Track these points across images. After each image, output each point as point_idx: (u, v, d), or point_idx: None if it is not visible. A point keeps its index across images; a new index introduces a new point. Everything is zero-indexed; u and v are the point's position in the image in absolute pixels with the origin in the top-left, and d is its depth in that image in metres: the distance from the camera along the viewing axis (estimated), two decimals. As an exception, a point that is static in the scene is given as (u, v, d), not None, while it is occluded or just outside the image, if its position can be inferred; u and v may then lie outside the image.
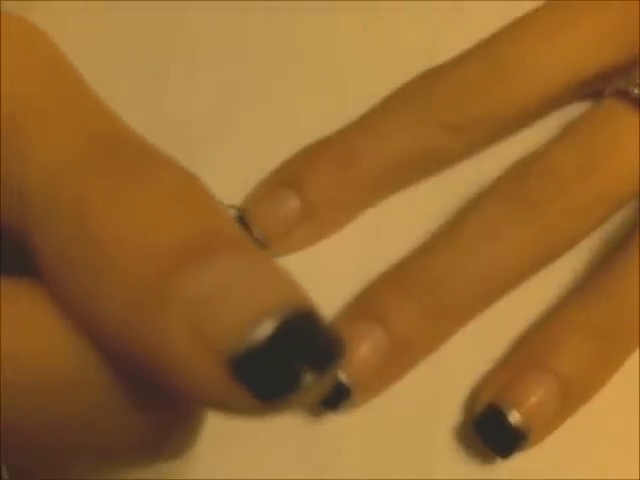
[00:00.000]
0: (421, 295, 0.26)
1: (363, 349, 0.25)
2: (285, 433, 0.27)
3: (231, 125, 0.30)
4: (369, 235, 0.29)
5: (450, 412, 0.27)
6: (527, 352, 0.26)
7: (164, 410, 0.15)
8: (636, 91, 0.27)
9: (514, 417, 0.25)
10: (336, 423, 0.27)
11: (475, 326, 0.27)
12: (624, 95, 0.27)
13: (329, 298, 0.27)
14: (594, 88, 0.29)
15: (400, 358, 0.26)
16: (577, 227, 0.27)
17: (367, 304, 0.26)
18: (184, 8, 0.32)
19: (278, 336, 0.13)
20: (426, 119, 0.28)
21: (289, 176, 0.28)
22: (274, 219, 0.27)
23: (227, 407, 0.14)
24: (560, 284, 0.28)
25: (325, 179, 0.27)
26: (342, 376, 0.25)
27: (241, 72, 0.31)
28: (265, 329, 0.13)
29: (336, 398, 0.25)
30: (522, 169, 0.27)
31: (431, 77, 0.28)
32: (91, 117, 0.15)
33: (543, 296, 0.28)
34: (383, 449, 0.27)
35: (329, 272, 0.28)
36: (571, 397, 0.25)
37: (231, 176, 0.29)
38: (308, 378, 0.13)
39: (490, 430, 0.25)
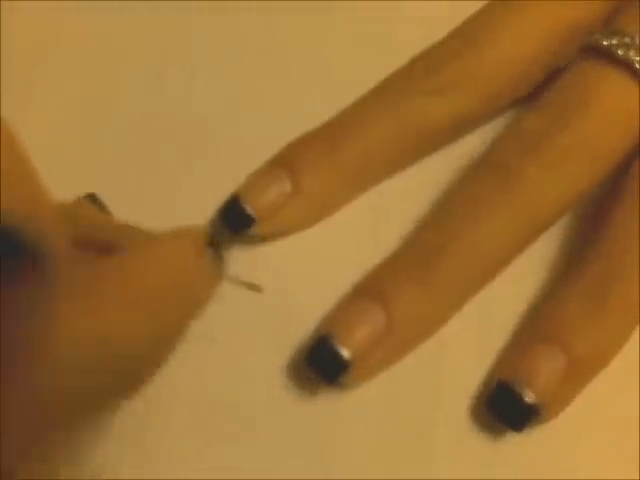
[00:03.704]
0: (416, 275, 0.26)
1: (363, 325, 0.25)
2: (283, 425, 0.27)
3: (229, 125, 0.30)
4: (367, 228, 0.29)
5: (450, 403, 0.27)
6: (534, 326, 0.26)
7: None
8: (602, 41, 0.26)
9: (524, 390, 0.25)
10: (336, 415, 0.27)
11: (474, 318, 0.27)
12: (588, 47, 0.27)
13: (328, 287, 0.27)
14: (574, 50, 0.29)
15: (398, 335, 0.26)
16: (559, 183, 0.26)
17: (367, 285, 0.27)
18: (182, 9, 0.32)
19: None
20: (407, 91, 0.28)
21: (282, 157, 0.29)
22: (265, 197, 0.28)
23: None
24: (560, 259, 0.28)
25: (315, 160, 0.28)
26: (343, 350, 0.25)
27: (239, 72, 0.31)
28: None
29: (336, 371, 0.25)
30: (496, 140, 0.28)
31: (410, 61, 0.29)
32: None
33: (544, 276, 0.28)
34: (382, 443, 0.27)
35: (328, 262, 0.29)
36: (582, 366, 0.25)
37: (229, 175, 0.29)
38: None
39: (503, 405, 0.25)
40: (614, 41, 0.26)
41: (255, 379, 0.27)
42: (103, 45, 0.32)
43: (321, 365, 0.26)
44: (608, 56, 0.26)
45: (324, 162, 0.28)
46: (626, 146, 0.27)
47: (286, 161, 0.28)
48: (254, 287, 0.28)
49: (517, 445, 0.26)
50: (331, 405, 0.27)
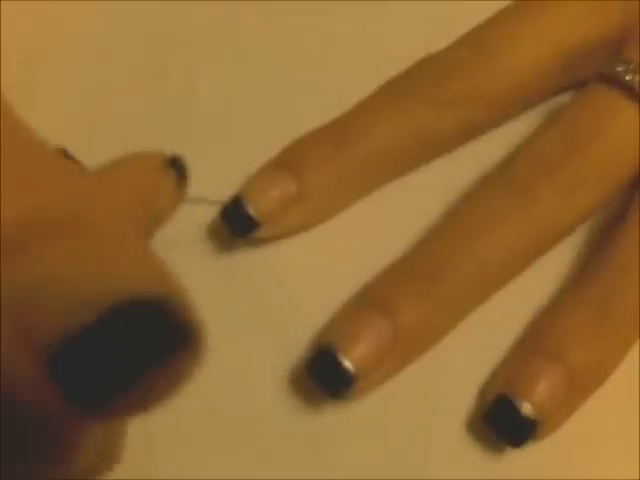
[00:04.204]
0: (423, 286, 0.26)
1: (367, 336, 0.25)
2: (283, 433, 0.26)
3: (230, 124, 0.30)
4: (371, 233, 0.29)
5: (450, 411, 0.27)
6: (533, 340, 0.26)
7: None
8: (624, 76, 0.27)
9: (523, 405, 0.24)
10: (335, 425, 0.26)
11: (476, 324, 0.27)
12: (608, 78, 0.27)
13: (331, 294, 0.27)
14: (584, 67, 0.29)
15: (402, 346, 0.26)
16: (570, 208, 0.27)
17: (370, 295, 0.26)
18: (183, 8, 0.32)
19: (99, 328, 0.11)
20: (415, 100, 0.28)
21: (285, 159, 0.28)
22: (269, 200, 0.27)
23: (53, 417, 0.12)
24: (561, 274, 0.28)
25: (319, 162, 0.28)
26: (346, 362, 0.25)
27: (240, 72, 0.31)
28: (81, 320, 0.11)
29: (339, 385, 0.25)
30: (510, 157, 0.28)
31: (418, 65, 0.29)
32: None
33: (545, 290, 0.28)
34: (380, 454, 0.26)
35: (330, 268, 0.28)
36: (581, 381, 0.25)
37: (229, 175, 0.29)
38: (135, 373, 0.12)
39: (500, 420, 0.25)
40: (637, 78, 0.27)
41: (255, 388, 0.27)
42: (103, 45, 0.31)
43: (324, 378, 0.25)
44: (627, 90, 0.27)
45: (329, 164, 0.28)
46: (635, 174, 0.27)
47: (289, 162, 0.28)
48: (217, 203, 0.28)
49: (515, 456, 0.26)
50: (330, 414, 0.26)
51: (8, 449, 0.13)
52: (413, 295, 0.25)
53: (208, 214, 0.29)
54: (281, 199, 0.27)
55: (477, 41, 0.29)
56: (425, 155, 0.29)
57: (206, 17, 0.32)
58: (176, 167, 0.27)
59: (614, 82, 0.27)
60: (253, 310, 0.28)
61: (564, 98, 0.30)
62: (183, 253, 0.28)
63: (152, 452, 0.26)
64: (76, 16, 0.31)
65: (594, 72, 0.28)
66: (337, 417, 0.26)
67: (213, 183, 0.29)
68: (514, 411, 0.24)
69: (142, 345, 0.12)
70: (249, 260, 0.28)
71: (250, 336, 0.27)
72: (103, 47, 0.31)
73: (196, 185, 0.29)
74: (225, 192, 0.28)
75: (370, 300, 0.26)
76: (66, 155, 0.26)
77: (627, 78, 0.26)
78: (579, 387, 0.25)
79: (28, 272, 0.12)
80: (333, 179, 0.28)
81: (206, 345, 0.13)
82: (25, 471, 0.14)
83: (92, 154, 0.29)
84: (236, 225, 0.27)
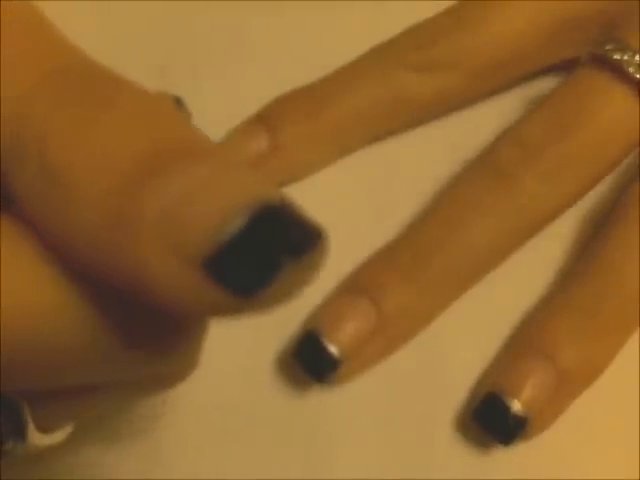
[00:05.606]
0: (408, 271, 0.26)
1: (352, 321, 0.25)
2: (274, 421, 0.27)
3: (235, 123, 0.30)
4: (359, 222, 0.29)
5: (449, 402, 0.27)
6: (524, 339, 0.26)
7: (156, 332, 0.16)
8: (612, 55, 0.26)
9: (512, 403, 0.25)
10: (329, 412, 0.27)
11: (474, 318, 0.27)
12: (596, 58, 0.27)
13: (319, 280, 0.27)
14: (571, 43, 0.29)
15: (388, 331, 0.26)
16: (555, 192, 0.26)
17: (355, 280, 0.27)
18: (186, 8, 0.32)
19: (248, 230, 0.13)
20: (396, 63, 0.28)
21: (263, 114, 0.29)
22: (242, 152, 0.28)
23: (211, 310, 0.14)
24: (555, 270, 0.28)
25: (294, 117, 0.28)
26: (331, 347, 0.25)
27: (245, 71, 0.31)
28: (233, 226, 0.13)
29: (324, 368, 0.25)
30: (495, 141, 0.28)
31: (402, 33, 0.30)
32: (49, 51, 0.16)
33: (538, 288, 0.28)
34: (373, 443, 0.27)
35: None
36: (571, 380, 0.25)
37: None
38: (282, 265, 0.13)
39: (490, 417, 0.25)
40: (625, 57, 0.26)
41: (245, 374, 0.27)
42: (107, 44, 0.31)
43: (309, 362, 0.26)
44: (617, 70, 0.26)
45: (303, 119, 0.28)
46: (623, 159, 0.27)
47: (266, 117, 0.29)
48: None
49: (506, 456, 0.26)
50: (323, 402, 0.27)
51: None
52: (398, 280, 0.26)
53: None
54: (255, 152, 0.28)
55: (461, 10, 0.29)
56: (403, 119, 0.29)
57: (210, 16, 0.32)
58: (181, 106, 0.27)
59: (603, 62, 0.27)
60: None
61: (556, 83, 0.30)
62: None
63: (143, 436, 0.27)
64: (76, 16, 0.32)
65: (583, 52, 0.28)
66: (329, 405, 0.27)
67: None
68: (504, 408, 0.25)
69: (284, 241, 0.13)
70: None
71: (237, 321, 0.27)
72: (104, 47, 0.31)
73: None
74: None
75: (355, 285, 0.26)
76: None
77: (616, 57, 0.26)
78: (569, 385, 0.25)
79: (171, 192, 0.13)
80: (307, 134, 0.28)
81: (329, 244, 0.14)
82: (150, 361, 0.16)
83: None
84: None
